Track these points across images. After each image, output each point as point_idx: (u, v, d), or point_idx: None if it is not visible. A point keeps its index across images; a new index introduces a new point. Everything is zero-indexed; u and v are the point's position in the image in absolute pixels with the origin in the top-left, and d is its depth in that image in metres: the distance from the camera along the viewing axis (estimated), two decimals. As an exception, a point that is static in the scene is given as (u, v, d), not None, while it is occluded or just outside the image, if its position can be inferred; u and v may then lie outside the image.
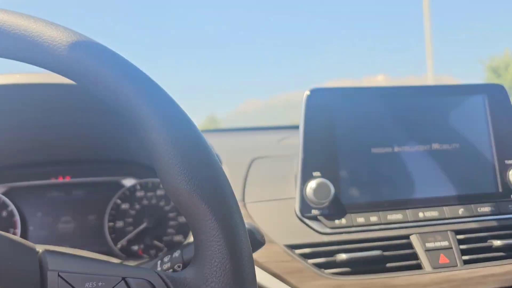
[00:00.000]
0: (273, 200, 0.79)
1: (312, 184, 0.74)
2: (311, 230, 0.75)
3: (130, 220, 0.94)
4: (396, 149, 0.80)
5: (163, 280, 0.42)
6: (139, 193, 0.96)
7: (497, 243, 0.76)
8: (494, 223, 0.79)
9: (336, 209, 0.76)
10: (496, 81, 19.79)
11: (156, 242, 0.93)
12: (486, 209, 0.80)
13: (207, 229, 0.41)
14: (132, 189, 0.95)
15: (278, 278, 0.70)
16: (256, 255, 0.72)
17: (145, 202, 0.95)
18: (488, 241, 0.78)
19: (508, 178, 0.81)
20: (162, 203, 0.96)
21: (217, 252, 0.41)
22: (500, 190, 0.81)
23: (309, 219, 0.76)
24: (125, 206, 0.95)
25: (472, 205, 0.80)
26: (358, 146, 0.79)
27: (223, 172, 0.45)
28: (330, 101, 0.79)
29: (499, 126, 0.84)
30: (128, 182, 0.96)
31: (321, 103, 0.79)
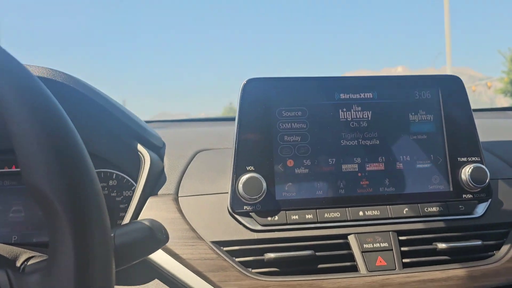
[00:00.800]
0: (207, 195, 0.76)
1: (243, 179, 0.71)
2: (242, 227, 0.72)
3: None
4: (337, 143, 0.75)
5: (9, 280, 0.41)
6: (91, 184, 0.94)
7: (442, 246, 0.71)
8: (441, 225, 0.74)
9: (269, 205, 0.72)
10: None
11: (104, 234, 0.91)
12: (433, 209, 0.74)
13: (57, 230, 0.39)
14: (84, 179, 0.93)
15: (200, 277, 0.67)
16: (180, 252, 0.69)
17: None
18: (433, 243, 0.73)
19: (460, 177, 0.76)
20: (113, 194, 0.94)
21: (64, 256, 0.39)
22: (451, 189, 0.76)
23: (241, 215, 0.72)
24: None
25: (418, 205, 0.74)
26: (296, 138, 0.75)
27: (90, 171, 0.42)
28: (268, 92, 0.75)
29: (453, 121, 0.78)
30: (81, 172, 0.94)
31: (258, 93, 0.75)
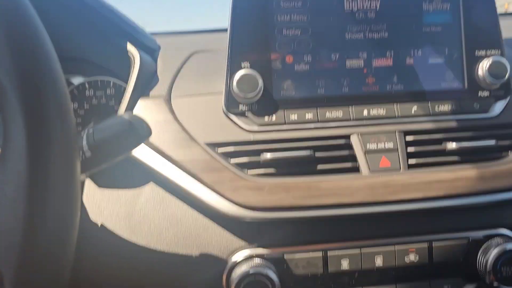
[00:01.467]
0: (201, 95, 0.71)
1: (237, 76, 0.66)
2: (237, 128, 0.68)
3: (78, 120, 0.90)
4: (341, 36, 0.69)
5: None
6: (88, 92, 0.90)
7: (452, 146, 0.66)
8: (453, 124, 0.69)
9: (266, 104, 0.67)
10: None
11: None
12: (445, 107, 0.68)
13: (6, 110, 0.36)
14: (81, 87, 0.90)
15: (194, 178, 0.65)
16: (172, 153, 0.66)
17: (94, 101, 0.90)
18: (443, 143, 0.68)
19: (477, 72, 0.69)
20: (111, 103, 0.91)
21: (15, 137, 0.35)
22: (466, 86, 0.69)
23: (236, 115, 0.68)
24: (73, 105, 0.90)
25: (429, 103, 0.69)
26: (296, 32, 0.68)
27: (47, 57, 0.38)
28: (265, -21, 0.68)
29: (472, 10, 0.70)
30: (77, 80, 0.90)
31: (254, -19, 0.67)
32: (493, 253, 0.63)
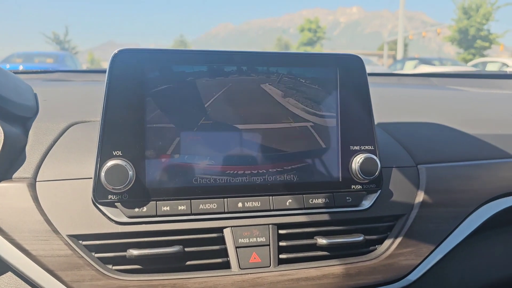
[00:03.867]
0: (71, 180, 0.67)
1: (106, 167, 0.62)
2: (105, 218, 0.64)
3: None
4: (218, 126, 0.68)
5: None
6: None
7: (322, 242, 0.67)
8: (326, 218, 0.70)
9: (138, 194, 0.64)
10: (465, 22, 19.71)
11: None
12: (319, 201, 0.70)
13: None
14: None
15: (52, 275, 0.60)
16: (30, 247, 0.61)
17: None
18: (314, 237, 0.68)
19: (351, 167, 0.71)
20: None
21: None
22: (340, 179, 0.71)
23: (105, 206, 0.64)
24: None
25: (303, 196, 0.69)
26: (170, 120, 0.66)
27: None
28: (141, 66, 0.65)
29: (349, 106, 0.72)
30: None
31: (130, 67, 0.65)
32: None
